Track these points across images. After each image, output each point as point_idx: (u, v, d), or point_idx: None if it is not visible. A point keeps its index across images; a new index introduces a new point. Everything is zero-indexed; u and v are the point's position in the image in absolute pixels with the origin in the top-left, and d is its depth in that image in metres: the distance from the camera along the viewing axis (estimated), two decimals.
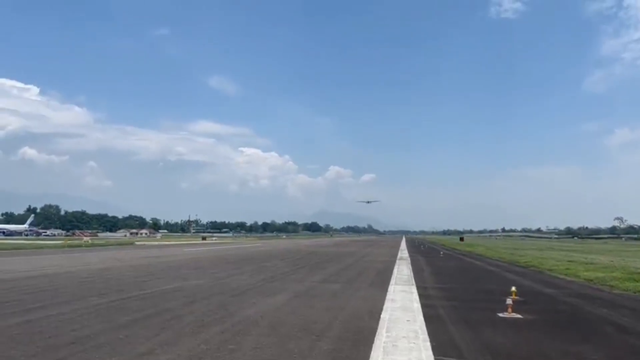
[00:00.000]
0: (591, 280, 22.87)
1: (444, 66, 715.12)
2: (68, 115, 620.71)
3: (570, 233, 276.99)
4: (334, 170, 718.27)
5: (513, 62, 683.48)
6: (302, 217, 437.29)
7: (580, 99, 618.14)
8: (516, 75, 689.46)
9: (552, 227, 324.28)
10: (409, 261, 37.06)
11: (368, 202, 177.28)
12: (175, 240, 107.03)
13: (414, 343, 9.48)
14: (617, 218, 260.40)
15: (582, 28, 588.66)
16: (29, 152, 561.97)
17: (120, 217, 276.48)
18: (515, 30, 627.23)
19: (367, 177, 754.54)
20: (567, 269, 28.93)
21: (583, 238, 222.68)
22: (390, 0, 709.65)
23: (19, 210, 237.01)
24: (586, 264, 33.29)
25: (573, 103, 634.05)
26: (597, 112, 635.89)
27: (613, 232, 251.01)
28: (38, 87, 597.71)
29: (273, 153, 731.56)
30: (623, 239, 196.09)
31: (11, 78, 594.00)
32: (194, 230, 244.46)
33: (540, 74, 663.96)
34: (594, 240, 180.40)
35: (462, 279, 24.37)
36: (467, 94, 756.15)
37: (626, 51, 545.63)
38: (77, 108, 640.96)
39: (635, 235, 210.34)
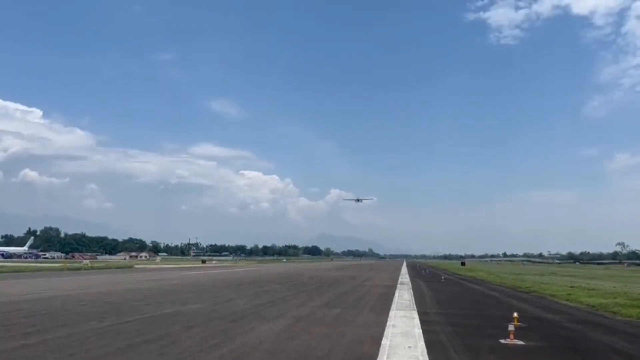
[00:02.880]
0: (594, 306, 22.67)
1: (445, 91, 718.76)
2: (70, 138, 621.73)
3: (572, 258, 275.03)
4: (335, 193, 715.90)
5: (513, 86, 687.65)
6: (303, 241, 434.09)
7: (581, 124, 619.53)
8: (517, 100, 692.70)
9: (554, 252, 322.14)
10: (410, 286, 36.80)
11: (358, 199, 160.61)
12: (175, 264, 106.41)
13: None
14: (619, 243, 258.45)
15: (581, 54, 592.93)
16: (30, 174, 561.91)
17: (120, 239, 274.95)
18: (515, 55, 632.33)
19: (368, 200, 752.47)
20: (569, 294, 28.70)
21: (585, 263, 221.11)
22: (391, 26, 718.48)
23: (19, 232, 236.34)
24: (588, 289, 33.05)
25: (573, 128, 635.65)
26: (597, 137, 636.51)
27: (615, 257, 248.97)
28: (41, 110, 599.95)
29: (274, 176, 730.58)
30: (625, 264, 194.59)
31: (15, 101, 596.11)
32: (193, 254, 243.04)
33: (541, 98, 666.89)
34: (596, 266, 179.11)
35: (464, 305, 24.16)
36: (468, 118, 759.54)
37: (625, 77, 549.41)
38: (79, 131, 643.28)
39: (638, 261, 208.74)
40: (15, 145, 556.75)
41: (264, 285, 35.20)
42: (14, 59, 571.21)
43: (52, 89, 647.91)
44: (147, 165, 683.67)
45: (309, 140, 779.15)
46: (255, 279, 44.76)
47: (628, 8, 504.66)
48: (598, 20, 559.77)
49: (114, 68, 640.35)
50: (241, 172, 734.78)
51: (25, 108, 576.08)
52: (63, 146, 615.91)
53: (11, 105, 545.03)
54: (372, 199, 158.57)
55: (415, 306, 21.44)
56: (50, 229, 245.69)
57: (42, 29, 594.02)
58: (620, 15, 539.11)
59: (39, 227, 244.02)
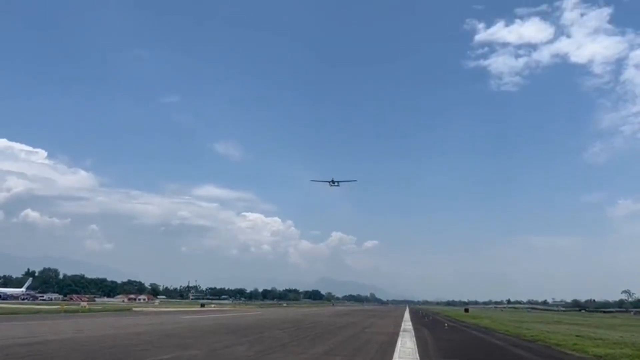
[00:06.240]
0: (600, 356, 22.19)
1: (447, 136, 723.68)
2: (74, 179, 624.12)
3: (577, 306, 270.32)
4: (336, 236, 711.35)
5: (514, 132, 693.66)
6: (304, 285, 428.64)
7: (582, 170, 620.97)
8: (518, 145, 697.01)
9: (558, 299, 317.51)
10: (413, 333, 36.16)
11: (333, 182, 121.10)
12: (174, 307, 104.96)
13: None
14: (625, 291, 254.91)
15: (581, 101, 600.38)
16: (31, 214, 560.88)
17: (119, 281, 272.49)
18: (516, 102, 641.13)
19: (369, 243, 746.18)
20: (575, 344, 28.13)
21: (591, 311, 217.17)
22: (391, 73, 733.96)
23: (18, 273, 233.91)
24: (595, 339, 32.43)
25: (575, 174, 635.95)
26: (599, 183, 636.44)
27: (621, 305, 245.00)
28: (46, 151, 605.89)
29: (276, 218, 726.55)
30: (632, 312, 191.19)
31: (21, 142, 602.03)
32: (192, 297, 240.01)
33: (542, 144, 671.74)
34: (602, 314, 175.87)
35: (468, 354, 23.68)
36: (471, 163, 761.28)
37: (626, 124, 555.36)
38: (82, 172, 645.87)
39: None
40: (18, 186, 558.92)
41: (264, 330, 34.60)
42: (22, 101, 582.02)
43: (57, 130, 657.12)
44: (149, 206, 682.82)
45: (310, 182, 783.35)
46: (255, 324, 44.04)
47: (626, 57, 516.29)
48: (596, 69, 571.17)
49: (119, 110, 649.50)
50: (243, 214, 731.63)
51: (30, 149, 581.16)
52: (66, 187, 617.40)
53: (17, 145, 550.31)
54: (354, 180, 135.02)
55: (418, 355, 21.03)
56: (49, 270, 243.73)
57: (48, 72, 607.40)
58: (618, 64, 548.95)
59: (38, 268, 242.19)
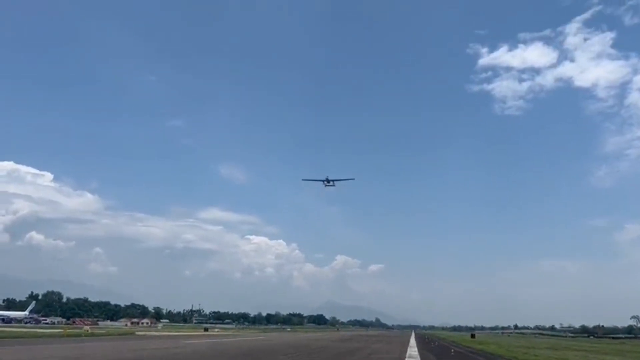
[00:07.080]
0: None
1: (452, 160, 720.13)
2: (79, 201, 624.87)
3: (585, 331, 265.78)
4: (341, 259, 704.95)
5: (519, 156, 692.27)
6: (308, 309, 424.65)
7: (588, 194, 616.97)
8: (523, 170, 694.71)
9: (566, 324, 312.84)
10: (419, 359, 35.75)
11: (327, 181, 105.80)
12: (177, 331, 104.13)
13: None
14: (634, 317, 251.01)
15: (586, 125, 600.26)
16: (36, 237, 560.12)
17: (122, 305, 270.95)
18: (520, 126, 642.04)
19: (375, 267, 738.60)
20: None
21: (599, 337, 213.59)
22: (396, 95, 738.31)
23: (22, 296, 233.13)
24: None
25: (581, 198, 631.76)
26: (605, 207, 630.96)
27: (630, 331, 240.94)
28: (52, 174, 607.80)
29: (280, 241, 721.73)
30: None
31: (27, 164, 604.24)
32: (196, 321, 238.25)
33: (547, 168, 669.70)
34: (610, 340, 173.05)
35: None
36: (476, 186, 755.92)
37: (631, 148, 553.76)
38: (88, 194, 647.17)
39: None
40: (24, 208, 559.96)
41: (267, 356, 34.28)
42: (28, 124, 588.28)
43: (64, 153, 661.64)
44: (153, 229, 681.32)
45: (315, 205, 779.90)
46: (258, 349, 43.63)
47: (629, 81, 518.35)
48: (601, 93, 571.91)
49: (124, 133, 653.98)
50: (247, 237, 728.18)
51: (36, 171, 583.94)
52: (71, 209, 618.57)
53: (23, 168, 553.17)
54: (351, 179, 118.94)
55: None
56: (53, 293, 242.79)
57: (54, 95, 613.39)
58: (622, 88, 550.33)
59: (42, 291, 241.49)
